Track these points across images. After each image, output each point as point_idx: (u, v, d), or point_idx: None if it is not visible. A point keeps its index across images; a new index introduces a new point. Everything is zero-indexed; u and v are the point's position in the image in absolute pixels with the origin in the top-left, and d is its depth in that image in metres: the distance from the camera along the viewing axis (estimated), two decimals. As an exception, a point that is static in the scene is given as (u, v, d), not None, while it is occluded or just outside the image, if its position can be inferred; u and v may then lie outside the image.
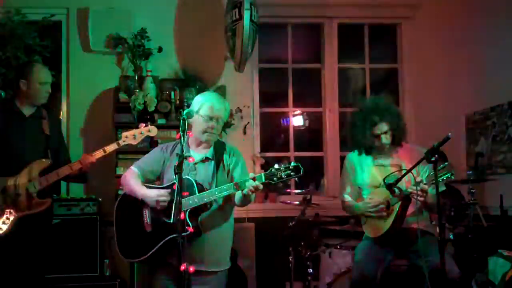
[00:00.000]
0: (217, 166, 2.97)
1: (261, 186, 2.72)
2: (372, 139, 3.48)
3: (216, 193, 2.81)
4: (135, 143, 3.43)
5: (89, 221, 4.33)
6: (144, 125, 3.40)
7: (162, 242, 2.83)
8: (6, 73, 4.50)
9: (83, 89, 4.98)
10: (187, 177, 2.81)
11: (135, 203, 2.96)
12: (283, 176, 2.72)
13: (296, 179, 2.82)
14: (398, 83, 5.54)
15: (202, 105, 2.98)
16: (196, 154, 3.01)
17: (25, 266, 3.42)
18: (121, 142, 3.41)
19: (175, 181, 2.54)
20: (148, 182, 3.06)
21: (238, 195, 2.87)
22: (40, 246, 3.50)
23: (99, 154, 3.45)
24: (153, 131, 3.39)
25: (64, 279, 4.15)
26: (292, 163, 2.74)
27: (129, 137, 3.39)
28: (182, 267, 2.43)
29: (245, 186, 2.73)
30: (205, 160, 3.00)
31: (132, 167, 3.10)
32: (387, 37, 5.65)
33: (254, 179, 2.71)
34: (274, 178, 2.72)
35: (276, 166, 2.74)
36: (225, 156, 3.02)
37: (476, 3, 4.94)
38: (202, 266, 2.83)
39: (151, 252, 2.87)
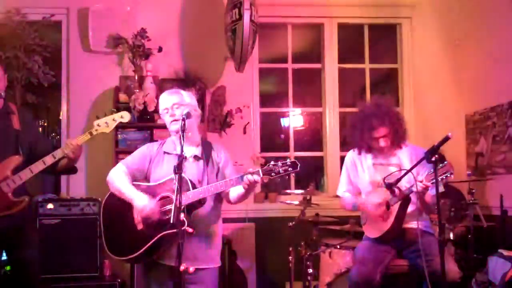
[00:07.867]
0: (206, 164, 2.99)
1: (259, 180, 2.75)
2: (370, 141, 3.49)
3: (212, 189, 2.82)
4: (109, 131, 3.24)
5: (89, 221, 4.32)
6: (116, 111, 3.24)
7: (154, 240, 2.82)
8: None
9: (83, 89, 4.98)
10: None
11: (125, 200, 2.94)
12: (280, 171, 2.76)
13: (293, 175, 2.85)
14: (398, 83, 5.54)
15: (159, 105, 3.07)
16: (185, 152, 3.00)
17: (14, 268, 3.26)
18: (94, 131, 3.20)
19: (175, 180, 2.53)
20: (135, 180, 3.02)
21: (234, 191, 2.94)
22: (27, 247, 3.25)
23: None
24: (126, 116, 3.24)
25: (64, 279, 4.15)
26: (289, 160, 2.79)
27: (102, 125, 3.21)
28: (182, 267, 2.43)
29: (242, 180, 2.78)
30: (194, 158, 3.00)
31: (119, 164, 3.07)
32: (387, 37, 5.65)
33: (252, 173, 2.74)
34: (272, 173, 2.76)
35: (273, 162, 2.79)
36: (213, 154, 3.06)
37: (476, 3, 4.93)
38: (195, 264, 2.79)
39: (142, 250, 2.85)
